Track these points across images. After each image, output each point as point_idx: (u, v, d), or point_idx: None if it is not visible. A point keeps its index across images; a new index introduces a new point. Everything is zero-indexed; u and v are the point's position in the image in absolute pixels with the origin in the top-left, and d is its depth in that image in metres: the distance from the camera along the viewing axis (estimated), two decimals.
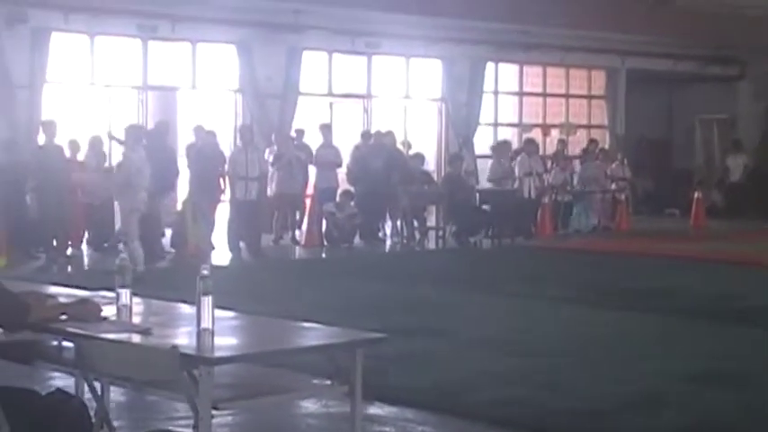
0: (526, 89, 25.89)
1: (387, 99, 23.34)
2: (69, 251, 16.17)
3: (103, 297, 5.50)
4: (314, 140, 19.88)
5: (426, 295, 12.60)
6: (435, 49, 22.98)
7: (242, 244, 16.96)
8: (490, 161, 21.24)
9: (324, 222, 18.75)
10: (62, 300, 5.31)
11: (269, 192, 18.49)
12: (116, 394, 6.82)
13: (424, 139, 23.62)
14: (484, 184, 21.53)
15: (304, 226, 19.19)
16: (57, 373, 6.41)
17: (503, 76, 25.22)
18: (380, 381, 7.18)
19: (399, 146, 21.04)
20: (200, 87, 20.80)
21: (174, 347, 4.47)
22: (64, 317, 5.00)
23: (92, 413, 5.02)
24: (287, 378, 5.19)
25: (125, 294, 5.27)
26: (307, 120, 21.02)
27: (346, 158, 19.80)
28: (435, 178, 21.55)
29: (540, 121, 25.91)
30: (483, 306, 12.04)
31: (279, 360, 5.12)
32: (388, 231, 19.98)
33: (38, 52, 18.05)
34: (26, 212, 16.18)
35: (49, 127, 16.20)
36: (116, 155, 17.06)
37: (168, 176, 16.30)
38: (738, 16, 25.57)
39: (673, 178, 27.69)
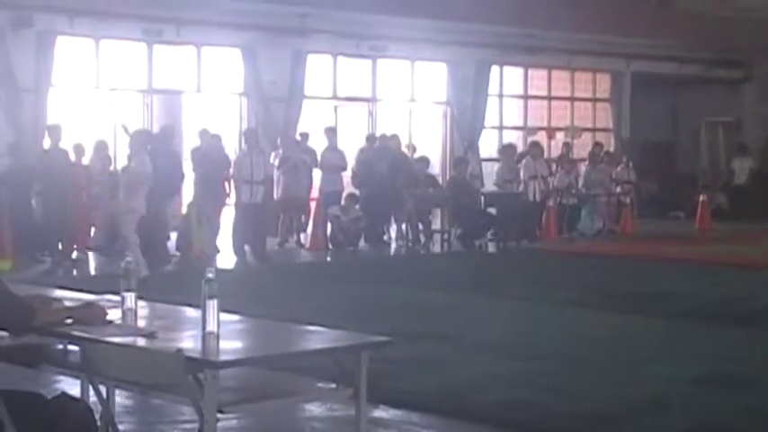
0: (531, 92, 25.91)
1: (392, 102, 23.36)
2: (74, 255, 16.20)
3: (109, 300, 5.52)
4: (319, 144, 19.90)
5: (431, 298, 12.60)
6: (440, 52, 22.99)
7: (247, 247, 16.96)
8: (497, 164, 21.23)
9: (329, 226, 18.75)
10: (67, 303, 5.33)
11: (276, 195, 18.50)
12: (121, 398, 6.86)
13: (428, 142, 23.63)
14: (489, 187, 21.53)
15: (309, 229, 19.19)
16: (62, 377, 6.42)
17: (508, 80, 25.23)
18: (385, 384, 7.18)
19: (404, 149, 21.05)
20: (206, 91, 20.83)
21: (180, 351, 4.48)
22: (69, 320, 5.01)
23: (97, 416, 5.03)
24: (292, 381, 5.19)
25: (130, 298, 5.28)
26: (312, 123, 21.03)
27: (351, 162, 19.81)
28: (440, 181, 21.52)
29: (544, 124, 25.92)
30: (488, 309, 12.04)
31: (284, 363, 5.12)
32: (393, 234, 19.98)
33: (43, 56, 18.09)
34: (31, 216, 16.21)
35: (54, 131, 16.23)
36: (121, 159, 17.08)
37: (173, 180, 16.29)
38: (743, 19, 25.57)
39: (678, 181, 27.66)
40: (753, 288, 13.78)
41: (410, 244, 19.18)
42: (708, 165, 28.74)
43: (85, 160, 17.23)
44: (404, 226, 19.47)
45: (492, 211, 20.01)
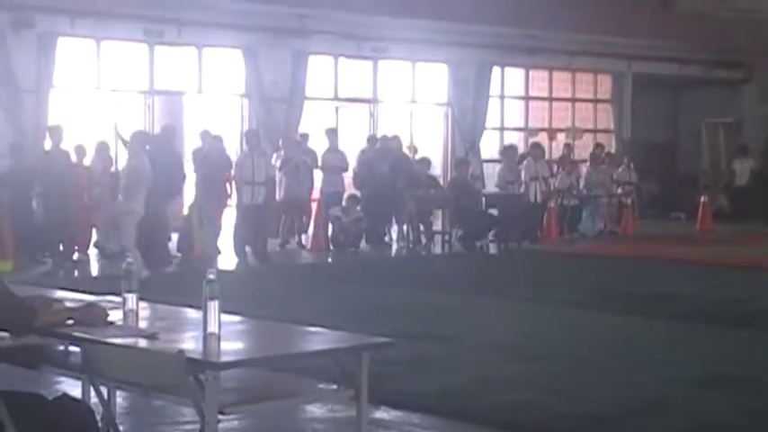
0: (532, 93, 25.90)
1: (393, 103, 23.36)
2: (76, 256, 16.20)
3: (110, 302, 5.52)
4: (320, 145, 19.91)
5: (432, 299, 12.59)
6: (441, 53, 22.99)
7: (248, 248, 16.96)
8: (498, 166, 21.23)
9: (330, 227, 18.76)
10: (69, 304, 5.33)
11: (278, 196, 18.50)
12: (122, 399, 6.86)
13: (430, 143, 23.63)
14: (490, 188, 21.53)
15: (310, 230, 19.19)
16: (63, 378, 6.42)
17: (509, 81, 25.23)
18: (386, 385, 7.18)
19: (405, 150, 21.04)
20: (207, 92, 20.84)
21: (181, 352, 4.48)
22: (70, 321, 5.02)
23: (98, 418, 5.03)
24: (293, 382, 5.19)
25: (131, 299, 5.29)
26: (313, 124, 21.04)
27: (352, 163, 19.81)
28: (441, 182, 21.53)
29: (546, 125, 25.92)
30: (489, 310, 12.04)
31: (285, 364, 5.12)
32: (395, 236, 19.98)
33: (44, 57, 18.11)
34: (32, 217, 16.21)
35: (55, 132, 16.24)
36: (122, 160, 17.08)
37: (175, 181, 16.30)
38: (743, 19, 25.56)
39: (679, 182, 27.67)
40: (754, 289, 13.77)
41: (411, 245, 19.19)
42: (709, 166, 28.73)
43: (87, 161, 17.22)
44: (405, 227, 19.48)
45: (493, 212, 20.02)
